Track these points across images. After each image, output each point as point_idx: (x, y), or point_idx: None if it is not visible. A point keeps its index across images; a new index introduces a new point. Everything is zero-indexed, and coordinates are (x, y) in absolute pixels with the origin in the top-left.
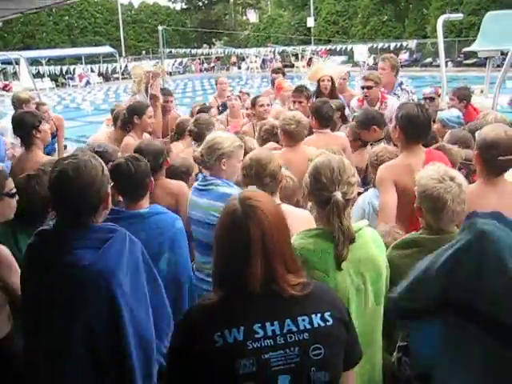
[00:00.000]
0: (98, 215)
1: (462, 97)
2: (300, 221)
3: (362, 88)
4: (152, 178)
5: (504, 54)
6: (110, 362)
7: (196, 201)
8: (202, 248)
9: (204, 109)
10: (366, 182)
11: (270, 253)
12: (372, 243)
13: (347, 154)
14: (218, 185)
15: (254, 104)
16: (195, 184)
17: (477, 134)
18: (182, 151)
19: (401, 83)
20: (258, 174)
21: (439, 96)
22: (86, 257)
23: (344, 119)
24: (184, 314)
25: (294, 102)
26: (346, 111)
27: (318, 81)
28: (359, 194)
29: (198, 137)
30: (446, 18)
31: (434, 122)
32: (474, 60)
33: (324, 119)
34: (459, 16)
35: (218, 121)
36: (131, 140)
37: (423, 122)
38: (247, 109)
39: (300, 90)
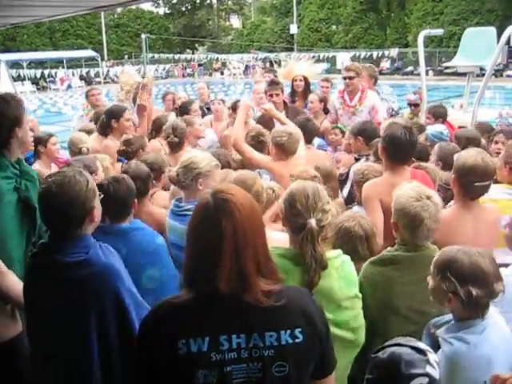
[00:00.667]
0: (84, 227)
1: (438, 115)
2: (280, 244)
3: (344, 79)
4: (135, 199)
5: (483, 69)
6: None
7: (174, 225)
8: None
9: (186, 104)
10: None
11: (242, 250)
12: (336, 274)
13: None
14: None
15: (234, 108)
16: (171, 207)
17: (455, 157)
18: (160, 151)
19: (378, 93)
20: None
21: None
22: (81, 259)
23: (326, 112)
24: (152, 309)
25: (272, 96)
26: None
27: (292, 80)
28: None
29: (178, 147)
30: (426, 33)
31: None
32: (454, 69)
33: (310, 135)
34: (439, 31)
35: (203, 123)
36: (111, 143)
37: (406, 144)
38: (229, 108)
39: (276, 83)
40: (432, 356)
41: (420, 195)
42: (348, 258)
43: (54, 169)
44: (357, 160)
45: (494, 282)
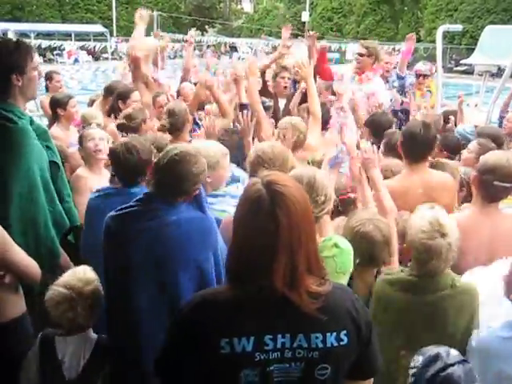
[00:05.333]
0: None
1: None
2: None
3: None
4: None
5: (501, 68)
6: None
7: None
8: None
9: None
10: None
11: (296, 246)
12: (333, 262)
13: None
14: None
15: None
16: None
17: (481, 157)
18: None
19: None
20: (281, 169)
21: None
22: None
23: None
24: (191, 303)
25: (283, 78)
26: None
27: (293, 68)
28: None
29: (176, 130)
30: (445, 29)
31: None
32: (465, 67)
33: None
34: (458, 27)
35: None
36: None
37: (422, 141)
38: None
39: (285, 68)
40: None
41: (434, 232)
42: (348, 246)
43: (73, 131)
44: None
45: None
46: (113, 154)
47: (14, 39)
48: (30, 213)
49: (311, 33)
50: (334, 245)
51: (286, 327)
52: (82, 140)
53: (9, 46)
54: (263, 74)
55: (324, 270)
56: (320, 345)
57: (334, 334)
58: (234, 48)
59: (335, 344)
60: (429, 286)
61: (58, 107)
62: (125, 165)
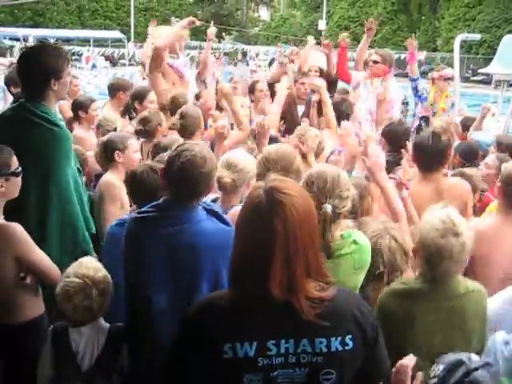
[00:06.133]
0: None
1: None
2: None
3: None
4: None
5: None
6: None
7: None
8: None
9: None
10: None
11: (292, 253)
12: (351, 259)
13: None
14: None
15: (252, 89)
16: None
17: (503, 166)
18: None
19: None
20: (285, 170)
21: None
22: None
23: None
24: (195, 308)
25: (303, 84)
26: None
27: (308, 71)
28: None
29: (188, 133)
30: (463, 37)
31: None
32: (482, 77)
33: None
34: (476, 36)
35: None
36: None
37: (432, 152)
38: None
39: (304, 73)
40: None
41: (447, 231)
42: (366, 242)
43: (93, 134)
44: None
45: None
46: (133, 173)
47: (53, 44)
48: (68, 215)
49: (326, 42)
50: (353, 241)
51: (290, 332)
52: (123, 148)
53: (50, 51)
54: (272, 85)
55: (327, 277)
56: (324, 349)
57: (339, 338)
58: (245, 54)
59: (340, 348)
60: (441, 294)
61: (80, 109)
62: (147, 184)
